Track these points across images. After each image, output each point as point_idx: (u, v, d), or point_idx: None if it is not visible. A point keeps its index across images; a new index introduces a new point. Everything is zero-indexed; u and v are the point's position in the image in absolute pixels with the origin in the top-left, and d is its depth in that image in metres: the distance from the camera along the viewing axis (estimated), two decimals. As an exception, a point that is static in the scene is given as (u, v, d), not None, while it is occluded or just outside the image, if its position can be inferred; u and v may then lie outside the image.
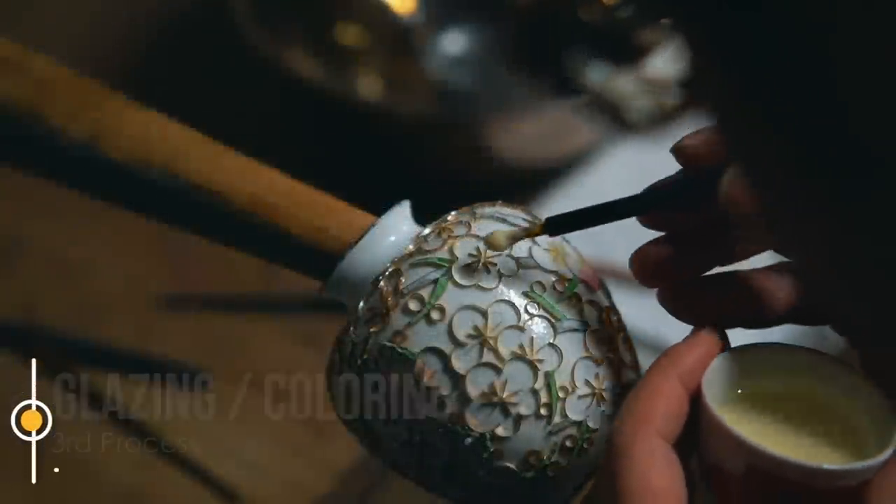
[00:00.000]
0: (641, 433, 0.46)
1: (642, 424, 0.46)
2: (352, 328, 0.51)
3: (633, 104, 0.82)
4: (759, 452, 0.45)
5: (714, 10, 0.28)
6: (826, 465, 0.45)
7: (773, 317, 0.51)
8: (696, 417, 0.48)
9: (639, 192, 0.51)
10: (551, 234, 0.51)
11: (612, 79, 0.83)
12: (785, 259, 0.51)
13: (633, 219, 0.51)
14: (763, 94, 0.29)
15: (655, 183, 0.50)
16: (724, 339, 0.50)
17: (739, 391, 0.49)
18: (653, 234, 0.51)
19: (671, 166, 0.50)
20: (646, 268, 0.51)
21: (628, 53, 0.83)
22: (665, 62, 0.82)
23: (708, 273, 0.51)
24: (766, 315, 0.50)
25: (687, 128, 0.49)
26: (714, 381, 0.48)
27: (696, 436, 0.48)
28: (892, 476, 0.46)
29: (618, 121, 0.84)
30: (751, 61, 0.28)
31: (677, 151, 0.49)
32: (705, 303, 0.50)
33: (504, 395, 0.49)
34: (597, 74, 0.82)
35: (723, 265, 0.51)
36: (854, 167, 0.28)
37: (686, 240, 0.50)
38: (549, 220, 0.51)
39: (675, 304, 0.51)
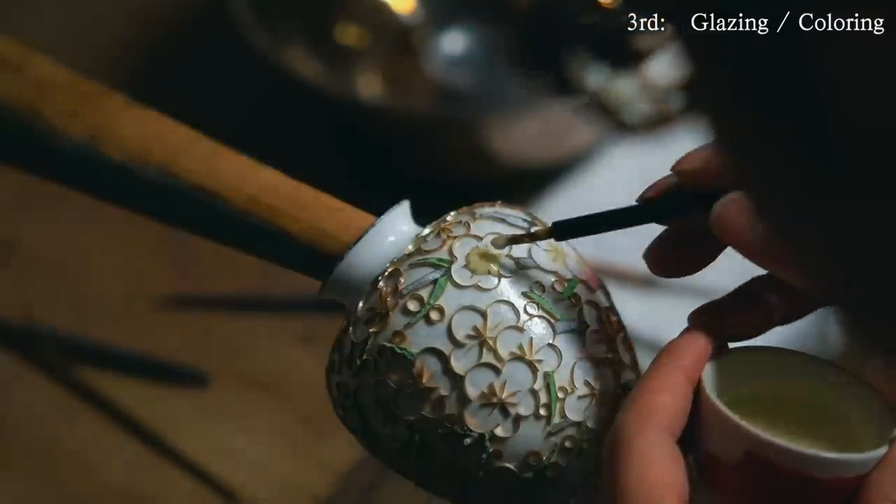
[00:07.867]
0: (645, 427, 0.46)
1: (646, 418, 0.46)
2: (351, 328, 0.51)
3: (632, 107, 0.82)
4: (757, 439, 0.45)
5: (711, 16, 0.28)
6: (824, 454, 0.45)
7: (796, 316, 0.50)
8: (695, 410, 0.48)
9: (639, 197, 0.50)
10: (558, 239, 0.51)
11: (612, 82, 0.83)
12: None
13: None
14: (758, 100, 0.28)
15: (658, 185, 0.50)
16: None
17: (737, 393, 0.48)
18: (654, 234, 0.51)
19: (670, 168, 0.50)
20: (658, 259, 0.51)
21: (627, 57, 0.83)
22: (664, 66, 0.82)
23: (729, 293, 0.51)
24: (791, 316, 0.50)
25: (685, 132, 0.49)
26: (713, 382, 0.48)
27: (694, 429, 0.48)
28: (888, 471, 0.46)
29: (616, 123, 0.84)
30: (746, 66, 0.28)
31: (678, 174, 0.49)
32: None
33: (503, 396, 0.49)
34: (596, 77, 0.82)
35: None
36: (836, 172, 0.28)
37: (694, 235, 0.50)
38: (556, 224, 0.51)
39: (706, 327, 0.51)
